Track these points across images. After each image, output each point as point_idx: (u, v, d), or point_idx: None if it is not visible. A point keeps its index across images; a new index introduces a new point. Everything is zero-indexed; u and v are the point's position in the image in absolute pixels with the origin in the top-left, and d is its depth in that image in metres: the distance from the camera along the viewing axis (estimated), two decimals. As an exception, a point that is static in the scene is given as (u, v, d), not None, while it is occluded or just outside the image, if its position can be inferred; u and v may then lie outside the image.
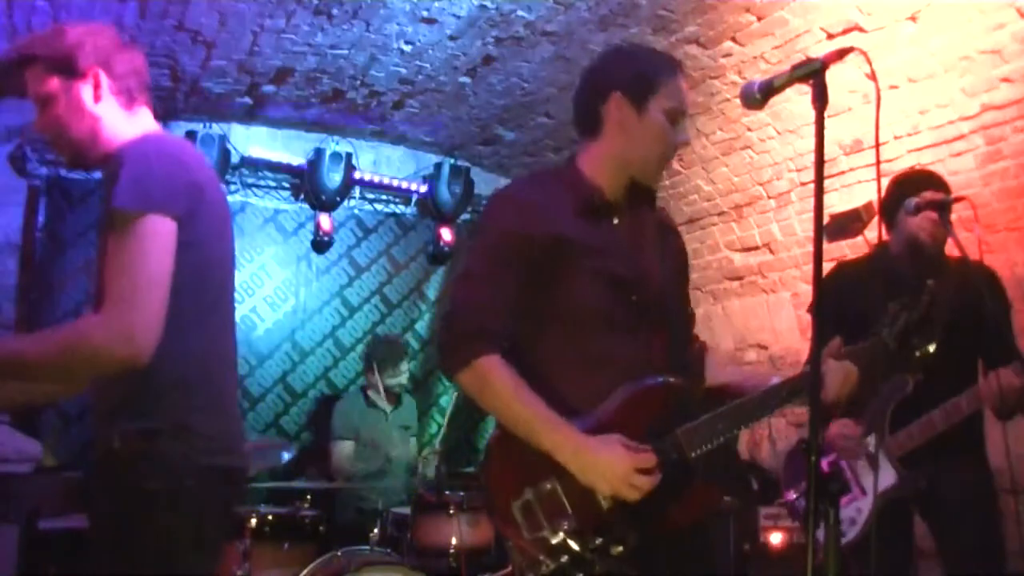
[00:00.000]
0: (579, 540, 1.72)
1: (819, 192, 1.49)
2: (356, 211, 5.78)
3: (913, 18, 3.44)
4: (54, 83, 1.83)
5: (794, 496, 2.93)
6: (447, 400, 5.88)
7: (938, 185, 2.75)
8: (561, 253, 1.82)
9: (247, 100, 5.12)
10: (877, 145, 1.66)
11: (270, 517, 3.61)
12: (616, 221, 1.91)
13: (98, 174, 2.01)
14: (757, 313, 5.15)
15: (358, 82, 4.89)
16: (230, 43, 4.40)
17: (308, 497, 3.92)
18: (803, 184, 4.48)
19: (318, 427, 5.34)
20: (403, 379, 4.82)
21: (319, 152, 5.38)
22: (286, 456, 3.90)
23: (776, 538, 4.20)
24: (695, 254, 5.17)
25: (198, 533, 1.74)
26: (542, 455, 1.74)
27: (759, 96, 1.62)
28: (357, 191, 5.69)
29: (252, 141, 5.45)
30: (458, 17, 4.12)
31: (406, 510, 3.93)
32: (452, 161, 5.76)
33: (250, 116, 5.36)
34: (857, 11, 3.53)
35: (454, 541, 3.64)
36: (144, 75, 1.93)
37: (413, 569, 3.43)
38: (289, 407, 5.49)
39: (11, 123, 4.72)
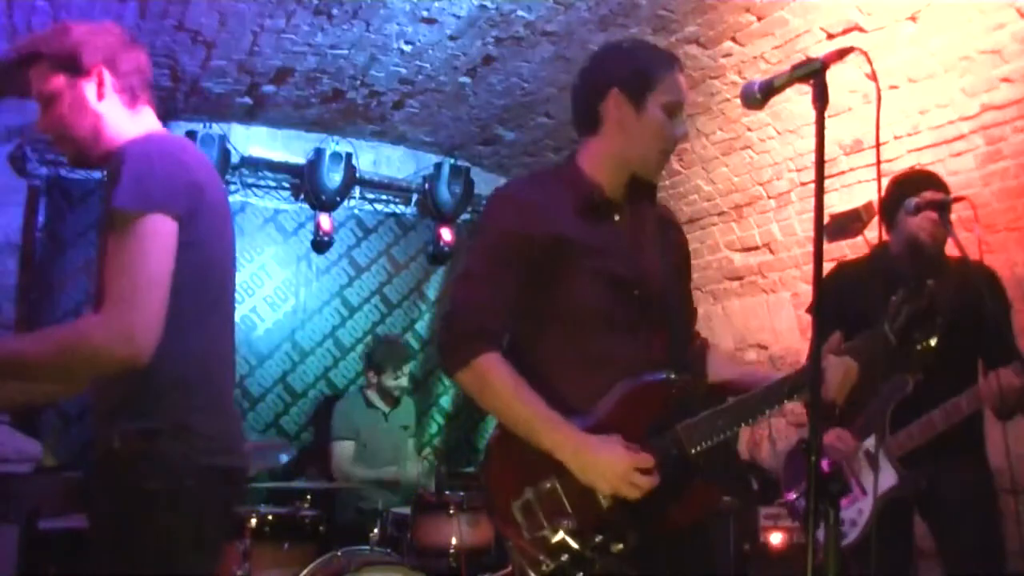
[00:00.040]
0: (579, 539, 1.72)
1: (819, 192, 1.49)
2: (356, 211, 5.78)
3: (913, 18, 3.44)
4: (58, 81, 1.82)
5: (794, 496, 2.93)
6: (447, 400, 5.89)
7: (938, 185, 2.75)
8: (561, 253, 1.82)
9: (247, 100, 5.12)
10: (877, 145, 1.66)
11: (270, 517, 3.60)
12: (617, 219, 1.91)
13: (98, 174, 2.01)
14: (757, 313, 5.15)
15: (358, 82, 4.88)
16: (230, 43, 4.40)
17: (308, 497, 3.91)
18: (803, 184, 4.48)
19: (318, 427, 5.34)
20: (403, 382, 4.79)
21: (319, 152, 5.38)
22: (285, 457, 3.90)
23: (776, 538, 4.20)
24: (695, 254, 5.10)
25: (198, 533, 1.74)
26: (542, 454, 1.74)
27: (759, 96, 1.62)
28: (357, 191, 5.69)
29: (252, 141, 5.45)
30: (458, 17, 4.12)
31: (406, 510, 3.93)
32: (452, 161, 5.76)
33: (250, 116, 5.36)
34: (857, 11, 3.53)
35: (454, 541, 3.63)
36: (147, 74, 1.92)
37: (413, 569, 3.42)
38: (289, 407, 5.49)
39: (11, 123, 4.72)
